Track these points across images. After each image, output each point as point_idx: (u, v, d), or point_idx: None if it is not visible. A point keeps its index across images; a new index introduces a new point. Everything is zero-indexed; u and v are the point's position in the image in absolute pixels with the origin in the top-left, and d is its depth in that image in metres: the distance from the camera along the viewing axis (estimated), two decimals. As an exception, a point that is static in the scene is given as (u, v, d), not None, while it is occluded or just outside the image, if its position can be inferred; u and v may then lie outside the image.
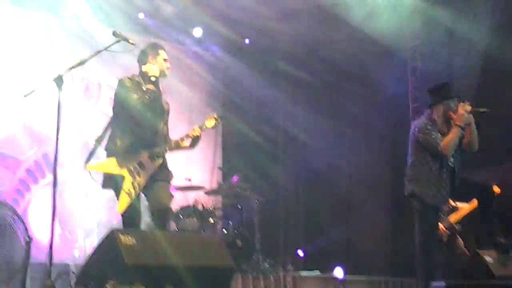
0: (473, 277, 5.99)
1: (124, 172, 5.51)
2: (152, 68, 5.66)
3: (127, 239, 4.44)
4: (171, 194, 5.69)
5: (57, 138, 4.63)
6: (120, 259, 4.30)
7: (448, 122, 5.77)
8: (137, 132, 5.54)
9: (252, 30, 11.22)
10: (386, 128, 10.29)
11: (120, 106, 5.58)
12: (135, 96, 5.48)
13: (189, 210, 8.81)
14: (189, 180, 9.49)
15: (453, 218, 7.04)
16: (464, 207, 7.09)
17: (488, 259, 5.82)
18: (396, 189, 8.92)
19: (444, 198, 5.78)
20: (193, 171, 10.88)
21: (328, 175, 11.06)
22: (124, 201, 5.41)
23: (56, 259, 4.58)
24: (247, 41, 11.72)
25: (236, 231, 8.96)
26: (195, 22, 11.09)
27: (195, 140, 5.87)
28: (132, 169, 5.51)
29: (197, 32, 11.25)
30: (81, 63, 4.89)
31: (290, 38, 11.12)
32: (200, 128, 5.87)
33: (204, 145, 11.58)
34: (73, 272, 7.28)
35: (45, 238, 4.68)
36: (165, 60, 5.79)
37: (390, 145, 10.13)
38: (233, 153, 11.67)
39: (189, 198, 9.39)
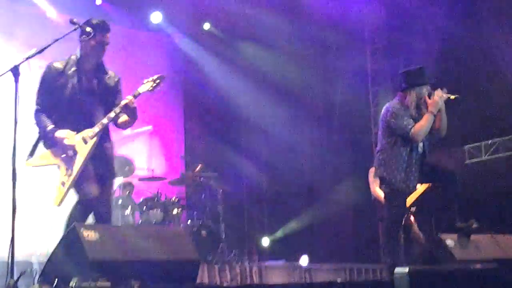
0: (435, 262, 6.03)
1: (58, 161, 5.25)
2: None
3: (90, 234, 4.33)
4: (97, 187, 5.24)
5: (15, 130, 4.51)
6: (84, 255, 4.20)
7: (419, 108, 5.76)
8: (67, 118, 5.26)
9: (212, 14, 11.10)
10: (347, 112, 10.31)
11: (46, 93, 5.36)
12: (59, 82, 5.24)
13: (152, 201, 8.69)
14: (152, 170, 9.38)
15: (408, 200, 7.08)
16: (417, 190, 7.13)
17: (449, 243, 5.85)
18: (358, 174, 8.99)
19: (412, 182, 5.78)
20: (156, 161, 10.77)
21: (291, 162, 11.05)
22: (60, 193, 5.16)
23: (18, 256, 4.44)
24: (206, 25, 11.55)
25: (200, 222, 8.88)
26: (154, 6, 10.91)
27: (130, 110, 5.55)
28: (65, 156, 5.21)
29: (156, 17, 11.06)
30: (38, 52, 4.75)
31: (251, 22, 11.02)
32: (133, 95, 5.59)
33: (166, 134, 11.48)
34: (36, 270, 7.11)
35: (5, 234, 4.53)
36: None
37: (351, 129, 10.15)
38: (196, 142, 11.57)
39: (152, 189, 9.26)
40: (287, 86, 11.18)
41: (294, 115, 11.07)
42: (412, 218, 7.05)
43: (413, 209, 6.99)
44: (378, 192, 6.80)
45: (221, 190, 9.13)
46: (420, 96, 5.77)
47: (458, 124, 7.72)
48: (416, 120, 5.69)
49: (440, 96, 5.66)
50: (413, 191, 6.09)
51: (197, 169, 9.39)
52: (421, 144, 5.81)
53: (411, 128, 5.61)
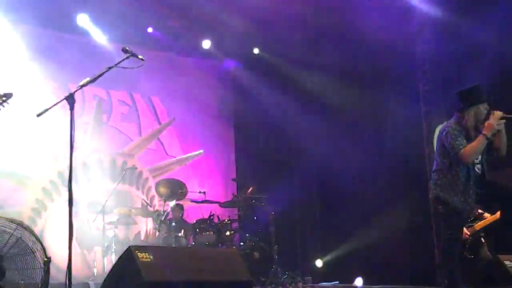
0: (494, 282, 5.92)
1: None
2: None
3: (144, 256, 4.42)
4: None
5: (71, 156, 4.62)
6: (139, 276, 4.29)
7: (478, 127, 5.67)
8: None
9: (261, 40, 11.21)
10: (398, 132, 10.20)
11: None
12: None
13: (205, 223, 8.78)
14: (204, 193, 9.48)
15: (479, 225, 7.01)
16: (489, 217, 7.07)
17: (508, 263, 5.74)
18: (413, 195, 8.87)
19: (469, 204, 5.67)
20: (208, 184, 10.89)
21: (342, 182, 10.97)
22: None
23: (76, 278, 4.57)
24: (256, 51, 11.67)
25: (253, 243, 8.91)
26: (204, 34, 11.09)
27: None
28: None
29: (206, 44, 11.24)
30: (92, 80, 4.88)
31: (300, 48, 11.08)
32: None
33: (217, 157, 11.61)
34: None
35: (63, 257, 4.65)
36: None
37: (404, 149, 10.03)
38: (247, 165, 11.64)
39: (205, 211, 9.36)
40: (337, 107, 11.14)
41: (345, 136, 11.02)
42: (483, 239, 6.99)
43: (482, 234, 6.94)
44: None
45: (273, 211, 9.15)
46: (478, 116, 5.67)
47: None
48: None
49: (496, 118, 5.53)
50: (471, 212, 5.99)
51: (249, 191, 9.46)
52: (478, 166, 5.71)
53: (462, 149, 5.52)
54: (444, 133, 5.69)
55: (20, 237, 5.11)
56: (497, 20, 8.48)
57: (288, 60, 11.61)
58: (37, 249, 5.16)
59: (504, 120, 5.58)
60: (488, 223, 6.92)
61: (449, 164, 5.65)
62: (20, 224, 5.18)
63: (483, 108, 5.68)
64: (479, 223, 7.02)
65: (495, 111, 5.64)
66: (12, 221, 5.25)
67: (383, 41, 9.81)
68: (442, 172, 5.71)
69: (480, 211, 7.03)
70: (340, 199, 11.07)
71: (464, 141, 5.55)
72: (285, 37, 10.87)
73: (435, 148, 5.92)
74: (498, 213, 6.92)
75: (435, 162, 5.84)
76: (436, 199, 5.78)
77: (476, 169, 5.70)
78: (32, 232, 5.39)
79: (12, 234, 5.09)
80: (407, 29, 9.90)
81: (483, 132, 5.50)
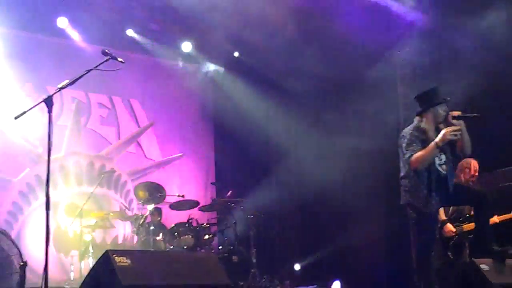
0: (469, 286, 5.96)
1: None
2: None
3: (122, 260, 4.40)
4: None
5: (48, 159, 4.58)
6: (116, 280, 4.27)
7: (438, 129, 5.72)
8: None
9: (242, 44, 11.22)
10: (377, 136, 10.26)
11: None
12: None
13: (183, 227, 8.76)
14: (183, 196, 9.45)
15: (467, 226, 7.06)
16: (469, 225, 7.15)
17: (484, 267, 5.79)
18: (390, 200, 8.91)
19: (434, 206, 5.69)
20: (187, 187, 10.87)
21: (321, 186, 11.01)
22: None
23: (52, 282, 4.52)
24: (236, 54, 11.70)
25: (231, 247, 8.92)
26: (184, 36, 11.07)
27: None
28: None
29: (186, 46, 11.22)
30: (71, 83, 4.85)
31: (281, 53, 11.11)
32: None
33: (196, 160, 11.59)
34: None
35: (40, 261, 4.61)
36: None
37: (383, 155, 10.08)
38: (226, 168, 11.63)
39: (184, 215, 9.34)
40: (318, 111, 11.19)
41: (325, 141, 11.06)
42: (467, 242, 7.06)
43: (470, 236, 7.00)
44: (449, 228, 6.91)
45: (252, 215, 9.15)
46: (436, 117, 5.73)
47: (492, 148, 7.69)
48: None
49: (450, 130, 5.57)
50: (437, 214, 6.06)
51: (228, 195, 9.45)
52: (443, 166, 5.75)
53: (411, 156, 5.55)
54: (400, 139, 5.74)
55: (-4, 241, 5.06)
56: (476, 28, 8.61)
57: (269, 64, 11.63)
58: (13, 253, 5.12)
59: (461, 121, 5.66)
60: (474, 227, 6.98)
61: (410, 171, 5.70)
62: (-4, 228, 5.13)
63: (441, 110, 5.73)
64: (468, 225, 7.06)
65: (452, 111, 5.71)
66: (-12, 224, 5.19)
67: (363, 46, 9.89)
68: (407, 177, 5.76)
69: (471, 212, 7.06)
70: (319, 203, 11.11)
71: (418, 147, 5.58)
72: (266, 41, 10.88)
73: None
74: (495, 217, 6.99)
75: (401, 169, 5.88)
76: (407, 205, 5.83)
77: (441, 170, 5.74)
78: (8, 236, 5.35)
79: (-13, 238, 5.04)
80: (387, 35, 9.99)
81: (436, 140, 5.54)
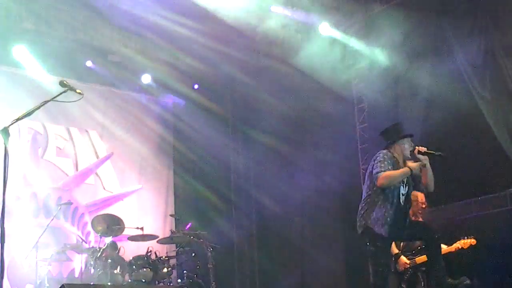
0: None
1: None
2: None
3: (78, 294, 4.33)
4: None
5: (4, 190, 4.49)
6: (72, 315, 4.19)
7: (405, 162, 5.82)
8: None
9: (202, 78, 11.29)
10: (336, 171, 10.37)
11: None
12: None
13: (142, 260, 8.65)
14: (141, 229, 9.35)
15: (420, 259, 7.12)
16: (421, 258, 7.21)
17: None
18: (348, 233, 8.99)
19: (389, 228, 5.73)
20: (145, 220, 10.75)
21: (281, 220, 11.05)
22: None
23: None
24: (196, 86, 11.76)
25: (191, 280, 8.82)
26: (144, 69, 11.08)
27: None
28: None
29: (146, 78, 11.23)
30: (28, 114, 4.78)
31: (239, 86, 11.21)
32: None
33: (156, 192, 11.51)
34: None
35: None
36: None
37: (341, 186, 10.19)
38: (185, 200, 11.58)
39: (142, 247, 9.22)
40: (277, 145, 11.26)
41: (284, 170, 11.13)
42: (420, 274, 7.11)
43: (423, 269, 7.06)
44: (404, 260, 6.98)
45: (211, 248, 9.10)
46: (403, 150, 5.85)
47: (447, 182, 7.83)
48: None
49: (423, 160, 5.71)
50: (390, 242, 6.13)
51: (187, 227, 9.39)
52: (403, 198, 5.81)
53: (380, 172, 5.62)
54: (375, 158, 5.81)
55: None
56: (432, 67, 8.85)
57: (228, 96, 11.73)
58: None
59: (426, 156, 5.77)
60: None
61: (374, 192, 5.76)
62: None
63: (407, 144, 5.85)
64: (420, 257, 7.12)
65: (418, 147, 5.83)
66: None
67: (322, 80, 10.04)
68: (368, 199, 5.80)
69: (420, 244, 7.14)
70: (279, 234, 11.14)
71: (389, 167, 5.67)
72: (225, 74, 10.98)
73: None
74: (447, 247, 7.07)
75: (362, 195, 5.94)
76: (363, 230, 5.83)
77: (401, 200, 5.81)
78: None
79: None
80: (346, 70, 10.17)
81: (409, 165, 5.67)
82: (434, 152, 5.84)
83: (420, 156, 5.82)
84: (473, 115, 8.33)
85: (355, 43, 9.96)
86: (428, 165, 5.81)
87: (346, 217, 9.77)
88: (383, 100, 9.58)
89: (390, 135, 5.97)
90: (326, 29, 10.02)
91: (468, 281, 6.75)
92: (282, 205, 10.90)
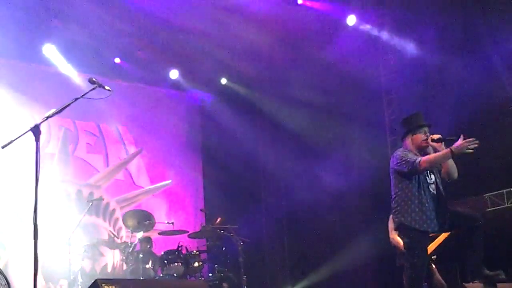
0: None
1: None
2: None
3: (111, 289, 4.37)
4: None
5: (36, 187, 4.57)
6: (105, 309, 4.23)
7: (421, 151, 5.76)
8: None
9: (230, 72, 11.29)
10: (365, 160, 10.30)
11: None
12: None
13: (173, 255, 8.70)
14: (172, 223, 9.41)
15: (430, 248, 7.03)
16: (438, 238, 7.09)
17: (475, 291, 5.77)
18: (380, 221, 8.92)
19: (429, 225, 5.68)
20: (176, 214, 10.83)
21: (311, 211, 11.02)
22: None
23: (39, 312, 4.46)
24: (223, 81, 11.75)
25: (222, 274, 8.86)
26: (172, 64, 11.12)
27: None
28: None
29: (174, 74, 11.28)
30: (58, 111, 4.84)
31: (267, 81, 11.18)
32: None
33: (185, 187, 11.56)
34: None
35: (27, 291, 4.56)
36: None
37: (371, 180, 10.12)
38: (215, 195, 11.61)
39: (173, 242, 9.28)
40: (306, 137, 11.22)
41: (313, 166, 11.09)
42: (433, 266, 7.00)
43: (434, 257, 6.95)
44: (397, 239, 6.80)
45: (242, 242, 9.12)
46: (418, 140, 5.78)
47: (478, 173, 7.74)
48: None
49: (468, 142, 5.55)
50: (430, 234, 6.02)
51: (217, 221, 9.41)
52: (432, 186, 5.76)
53: (419, 159, 5.57)
54: (395, 159, 5.78)
55: (-16, 271, 5.01)
56: (464, 61, 8.73)
57: (256, 90, 11.70)
58: (1, 283, 5.07)
59: (441, 143, 5.69)
60: (437, 244, 6.94)
61: (403, 188, 5.73)
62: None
63: (422, 133, 5.79)
64: (429, 246, 7.03)
65: (432, 135, 5.75)
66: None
67: (350, 71, 9.97)
68: (399, 197, 5.77)
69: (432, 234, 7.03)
70: (309, 228, 11.11)
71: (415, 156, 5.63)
72: (253, 67, 10.96)
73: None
74: (444, 234, 6.93)
75: (392, 192, 5.90)
76: (398, 227, 5.81)
77: (430, 189, 5.75)
78: (-5, 266, 5.30)
79: (-25, 268, 4.98)
80: (374, 60, 10.09)
81: (452, 147, 5.49)
82: (448, 138, 5.74)
83: (433, 144, 5.75)
84: (504, 113, 8.23)
85: (384, 35, 9.87)
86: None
87: (376, 209, 9.71)
88: (413, 93, 9.49)
89: (408, 124, 5.94)
90: (354, 21, 9.94)
91: (503, 275, 6.65)
92: (311, 199, 10.85)
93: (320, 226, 11.02)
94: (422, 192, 5.68)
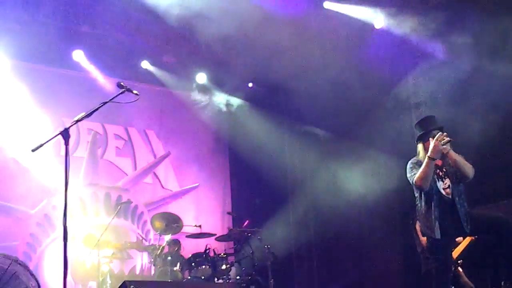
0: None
1: None
2: None
3: (139, 290, 4.41)
4: None
5: (65, 190, 4.62)
6: (133, 311, 4.27)
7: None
8: None
9: (255, 73, 11.30)
10: (394, 165, 10.22)
11: None
12: None
13: (201, 258, 8.74)
14: (200, 226, 9.45)
15: (454, 253, 6.97)
16: (462, 243, 7.03)
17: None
18: (408, 230, 8.87)
19: (438, 229, 5.61)
20: (203, 217, 10.87)
21: (339, 216, 10.95)
22: None
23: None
24: (250, 84, 11.80)
25: (249, 277, 8.86)
26: (198, 68, 11.17)
27: None
28: None
29: (201, 78, 11.33)
30: (87, 115, 4.90)
31: (294, 84, 11.15)
32: None
33: (213, 190, 11.60)
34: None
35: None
36: None
37: (399, 184, 10.03)
38: (242, 198, 11.63)
39: (200, 245, 9.32)
40: (334, 140, 11.17)
41: (341, 168, 11.03)
42: (460, 269, 6.94)
43: (460, 261, 6.89)
44: (423, 244, 6.80)
45: (269, 245, 9.12)
46: (429, 146, 5.68)
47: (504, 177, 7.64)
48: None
49: (438, 140, 5.56)
50: (448, 240, 5.94)
51: (245, 224, 9.43)
52: (447, 190, 5.69)
53: (413, 176, 5.59)
54: (406, 169, 5.80)
55: (15, 273, 5.08)
56: (496, 67, 8.63)
57: (283, 94, 11.69)
58: (31, 284, 5.14)
59: (447, 141, 5.62)
60: (462, 248, 6.88)
61: (420, 197, 5.73)
62: (15, 260, 5.17)
63: (431, 136, 5.73)
64: (454, 250, 6.96)
65: (437, 135, 5.68)
66: (6, 256, 5.23)
67: (378, 75, 9.91)
68: (417, 206, 5.79)
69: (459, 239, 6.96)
70: (337, 233, 11.03)
71: (419, 169, 5.61)
72: (280, 71, 10.95)
73: None
74: (469, 238, 6.87)
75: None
76: (422, 234, 5.84)
77: (444, 194, 5.69)
78: (27, 268, 5.37)
79: (6, 269, 5.06)
80: (402, 63, 10.02)
81: (428, 155, 5.55)
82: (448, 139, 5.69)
83: (443, 148, 5.69)
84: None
85: (412, 37, 9.80)
86: (451, 151, 5.65)
87: (404, 216, 9.64)
88: (443, 98, 9.40)
89: (422, 127, 5.90)
90: (381, 23, 9.89)
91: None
92: (339, 203, 10.80)
93: (349, 231, 10.95)
94: (432, 199, 5.65)
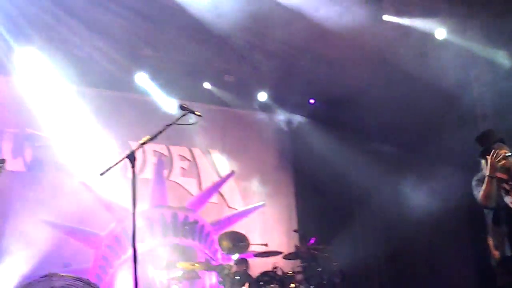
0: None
1: None
2: None
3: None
4: None
5: (134, 212, 4.68)
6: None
7: (501, 170, 5.55)
8: None
9: (316, 89, 11.25)
10: (461, 177, 9.95)
11: None
12: None
13: (269, 276, 8.70)
14: (266, 245, 9.43)
15: None
16: None
17: None
18: (479, 241, 8.62)
19: (504, 246, 5.45)
20: (270, 236, 10.84)
21: (406, 232, 10.73)
22: None
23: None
24: (312, 101, 11.76)
25: (318, 295, 8.78)
26: (260, 86, 11.20)
27: None
28: None
29: (262, 96, 11.35)
30: (152, 138, 4.97)
31: (356, 99, 11.05)
32: None
33: (278, 208, 11.57)
34: None
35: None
36: None
37: (467, 196, 9.78)
38: (308, 215, 11.55)
39: (267, 263, 9.29)
40: (399, 153, 10.98)
41: (407, 182, 10.83)
42: None
43: None
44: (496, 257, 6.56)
45: (337, 262, 9.01)
46: (490, 161, 5.55)
47: None
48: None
49: (492, 158, 5.40)
50: None
51: (311, 242, 9.36)
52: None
53: (479, 199, 5.47)
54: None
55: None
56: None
57: (346, 110, 11.59)
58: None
59: (504, 157, 5.45)
60: None
61: (487, 216, 5.61)
62: (87, 283, 5.26)
63: (499, 151, 5.54)
64: None
65: (495, 150, 5.50)
66: (79, 279, 5.32)
67: (441, 87, 9.71)
68: (486, 222, 5.63)
69: None
70: (405, 249, 10.80)
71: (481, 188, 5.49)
72: (342, 87, 10.86)
73: None
74: None
75: None
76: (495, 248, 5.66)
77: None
78: (98, 290, 5.45)
79: (79, 292, 5.15)
80: (465, 73, 9.80)
81: (486, 173, 5.47)
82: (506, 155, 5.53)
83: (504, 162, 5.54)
84: None
85: (474, 46, 9.57)
86: None
87: (473, 230, 9.37)
88: (509, 106, 9.13)
89: (481, 143, 5.75)
90: (444, 34, 9.70)
91: None
92: (407, 218, 10.59)
93: (418, 245, 10.71)
94: (500, 215, 5.49)
